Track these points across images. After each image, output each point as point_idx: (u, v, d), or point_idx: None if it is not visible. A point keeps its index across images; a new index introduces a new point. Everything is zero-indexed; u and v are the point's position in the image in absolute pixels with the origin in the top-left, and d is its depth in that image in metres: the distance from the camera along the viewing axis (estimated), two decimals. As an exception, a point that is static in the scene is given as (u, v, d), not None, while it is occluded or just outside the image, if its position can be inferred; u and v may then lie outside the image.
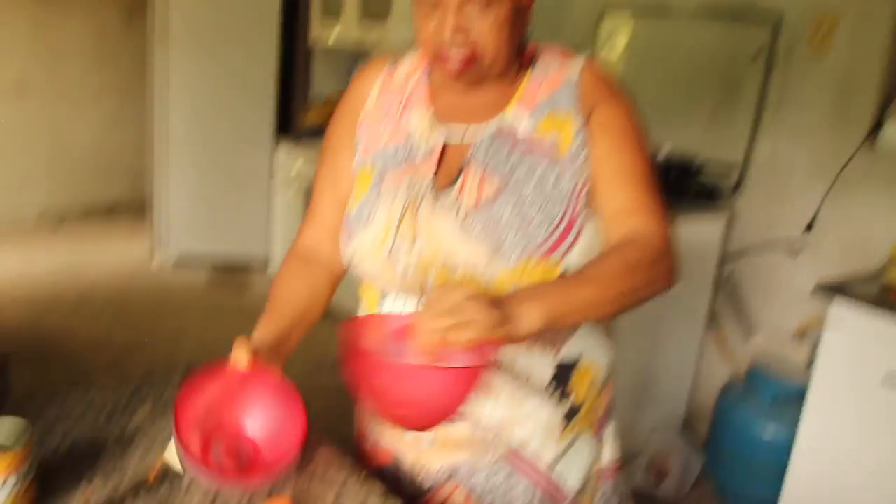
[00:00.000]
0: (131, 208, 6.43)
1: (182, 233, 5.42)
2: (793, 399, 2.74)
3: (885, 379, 2.36)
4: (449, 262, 1.19)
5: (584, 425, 1.32)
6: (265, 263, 5.48)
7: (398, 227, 1.21)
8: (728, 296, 3.38)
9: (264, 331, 1.25)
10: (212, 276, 5.33)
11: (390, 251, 1.21)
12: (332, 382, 1.49)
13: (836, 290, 2.44)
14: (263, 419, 1.21)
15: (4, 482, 1.06)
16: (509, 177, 1.19)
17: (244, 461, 1.17)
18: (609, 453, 1.40)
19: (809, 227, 3.06)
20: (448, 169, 1.23)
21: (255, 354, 1.15)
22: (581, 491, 1.34)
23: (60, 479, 1.18)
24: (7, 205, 6.00)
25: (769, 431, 2.90)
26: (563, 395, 1.28)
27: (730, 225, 3.29)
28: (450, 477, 1.29)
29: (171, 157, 5.22)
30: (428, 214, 1.20)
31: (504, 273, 1.16)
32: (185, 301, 4.85)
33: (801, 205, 3.08)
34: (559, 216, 1.18)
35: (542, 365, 1.26)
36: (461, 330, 0.99)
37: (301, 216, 1.44)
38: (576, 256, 1.19)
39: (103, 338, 4.16)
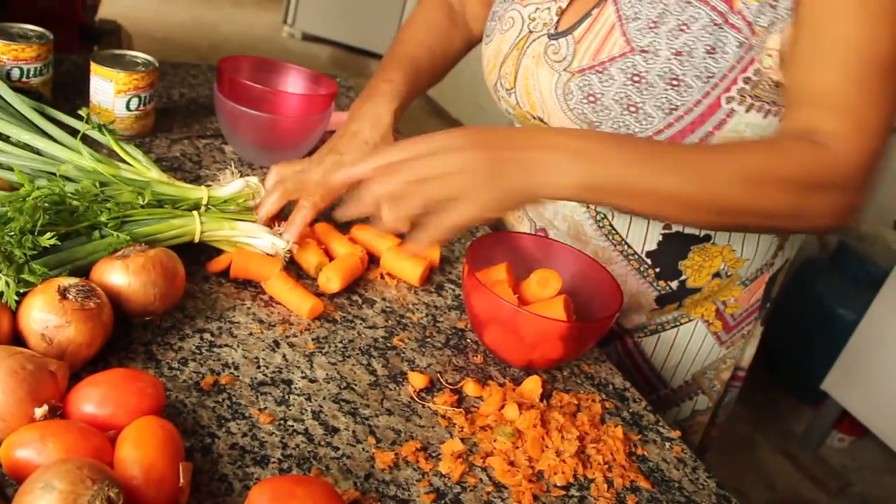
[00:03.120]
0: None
1: (310, 14, 5.50)
2: (875, 283, 2.70)
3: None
4: (543, 125, 1.03)
5: (696, 312, 1.14)
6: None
7: (502, 65, 1.06)
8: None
9: (393, 72, 1.13)
10: (335, 55, 5.45)
11: (493, 86, 1.09)
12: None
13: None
14: None
15: (129, 100, 1.18)
16: (646, 32, 0.90)
17: None
18: (742, 359, 1.23)
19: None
20: (582, 3, 0.97)
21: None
22: (690, 387, 1.21)
23: (174, 124, 1.31)
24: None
25: (841, 310, 2.88)
26: (667, 272, 1.08)
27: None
28: None
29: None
30: (531, 63, 1.00)
31: None
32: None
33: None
34: (692, 102, 0.89)
35: (641, 226, 1.05)
36: (438, 200, 0.76)
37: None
38: None
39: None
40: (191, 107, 1.39)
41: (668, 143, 0.89)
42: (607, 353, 1.17)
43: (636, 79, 0.90)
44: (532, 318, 0.85)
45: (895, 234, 2.86)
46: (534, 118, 1.03)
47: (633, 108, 0.91)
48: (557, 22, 0.98)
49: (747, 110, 0.91)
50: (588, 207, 1.06)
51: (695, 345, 1.16)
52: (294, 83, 1.33)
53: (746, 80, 0.89)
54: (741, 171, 0.81)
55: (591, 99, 0.93)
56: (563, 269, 0.98)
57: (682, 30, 0.88)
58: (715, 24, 0.87)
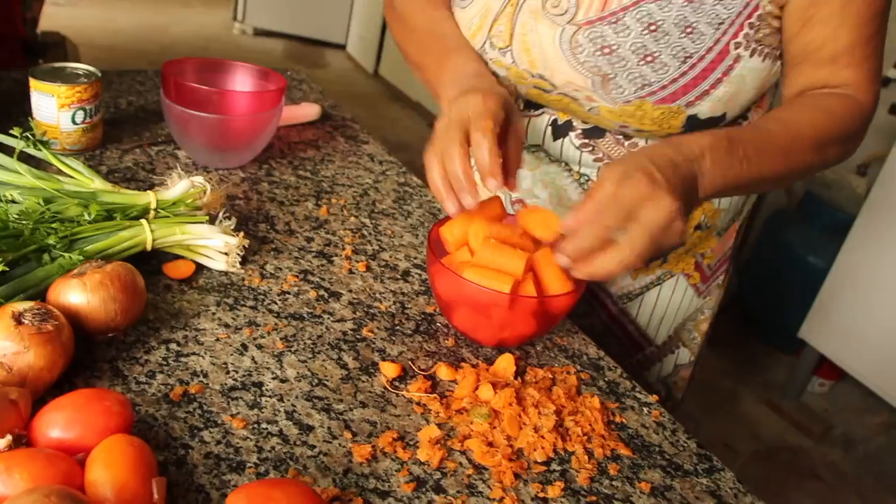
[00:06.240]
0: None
1: (260, 9, 5.44)
2: (842, 229, 2.73)
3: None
4: (544, 82, 1.00)
5: (677, 268, 1.16)
6: (343, 46, 5.51)
7: (493, 24, 1.01)
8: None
9: (477, 63, 1.00)
10: (289, 48, 5.39)
11: (480, 48, 1.03)
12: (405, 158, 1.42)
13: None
14: None
15: (74, 114, 1.16)
16: None
17: None
18: (712, 306, 1.25)
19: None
20: None
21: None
22: (672, 342, 1.23)
23: (124, 133, 1.29)
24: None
25: (812, 258, 2.91)
26: None
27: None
28: None
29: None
30: (529, 19, 0.97)
31: (604, 110, 0.97)
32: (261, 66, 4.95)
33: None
34: (704, 49, 0.91)
35: None
36: (621, 251, 0.76)
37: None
38: (707, 106, 0.95)
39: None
40: (140, 114, 1.37)
41: (756, 129, 0.91)
42: (592, 323, 1.18)
43: (652, 27, 0.90)
44: (500, 297, 0.84)
45: (859, 179, 2.89)
46: (533, 76, 0.99)
47: (649, 58, 0.91)
48: None
49: (751, 55, 0.93)
50: (570, 171, 1.07)
51: (676, 298, 1.18)
52: (242, 81, 1.31)
53: (751, 26, 0.91)
54: (812, 140, 0.91)
55: (606, 51, 0.92)
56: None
57: None
58: None
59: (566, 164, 1.07)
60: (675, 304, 1.18)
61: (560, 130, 1.05)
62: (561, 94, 0.99)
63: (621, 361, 1.20)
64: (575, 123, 1.04)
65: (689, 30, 0.90)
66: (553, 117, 1.05)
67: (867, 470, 2.66)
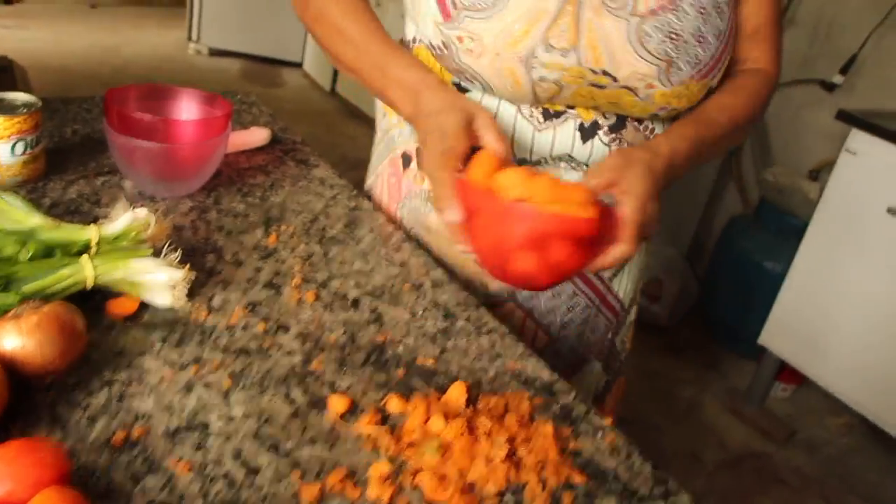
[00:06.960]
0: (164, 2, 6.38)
1: (215, 29, 5.40)
2: (798, 234, 2.77)
3: (892, 209, 2.37)
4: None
5: None
6: (299, 64, 5.48)
7: (551, 25, 0.96)
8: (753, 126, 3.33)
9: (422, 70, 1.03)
10: (245, 68, 5.35)
11: (527, 55, 0.98)
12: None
13: (856, 118, 2.41)
14: None
15: (13, 145, 1.13)
16: None
17: None
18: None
19: (845, 69, 2.99)
20: None
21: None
22: (633, 302, 1.30)
23: (69, 164, 1.26)
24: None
25: (769, 264, 2.94)
26: None
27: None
28: (508, 298, 1.18)
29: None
30: (593, 16, 0.96)
31: (657, 94, 1.02)
32: (217, 86, 4.91)
33: (844, 44, 2.98)
34: (725, 24, 1.02)
35: None
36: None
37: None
38: (719, 75, 1.06)
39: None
40: (86, 143, 1.34)
41: (711, 124, 1.05)
42: (586, 313, 1.21)
43: (702, 11, 0.99)
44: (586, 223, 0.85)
45: (812, 184, 2.94)
46: (595, 72, 0.98)
47: (701, 39, 0.99)
48: None
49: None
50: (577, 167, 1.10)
51: (638, 260, 1.25)
52: (188, 106, 1.29)
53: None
54: (744, 122, 1.09)
55: (674, 37, 0.98)
56: None
57: None
58: None
59: (588, 166, 1.10)
60: (637, 265, 1.25)
61: (588, 132, 1.07)
62: (618, 88, 1.01)
63: (607, 337, 1.28)
64: (600, 121, 1.07)
65: (718, 9, 1.00)
66: (579, 121, 1.07)
67: (831, 472, 2.69)
